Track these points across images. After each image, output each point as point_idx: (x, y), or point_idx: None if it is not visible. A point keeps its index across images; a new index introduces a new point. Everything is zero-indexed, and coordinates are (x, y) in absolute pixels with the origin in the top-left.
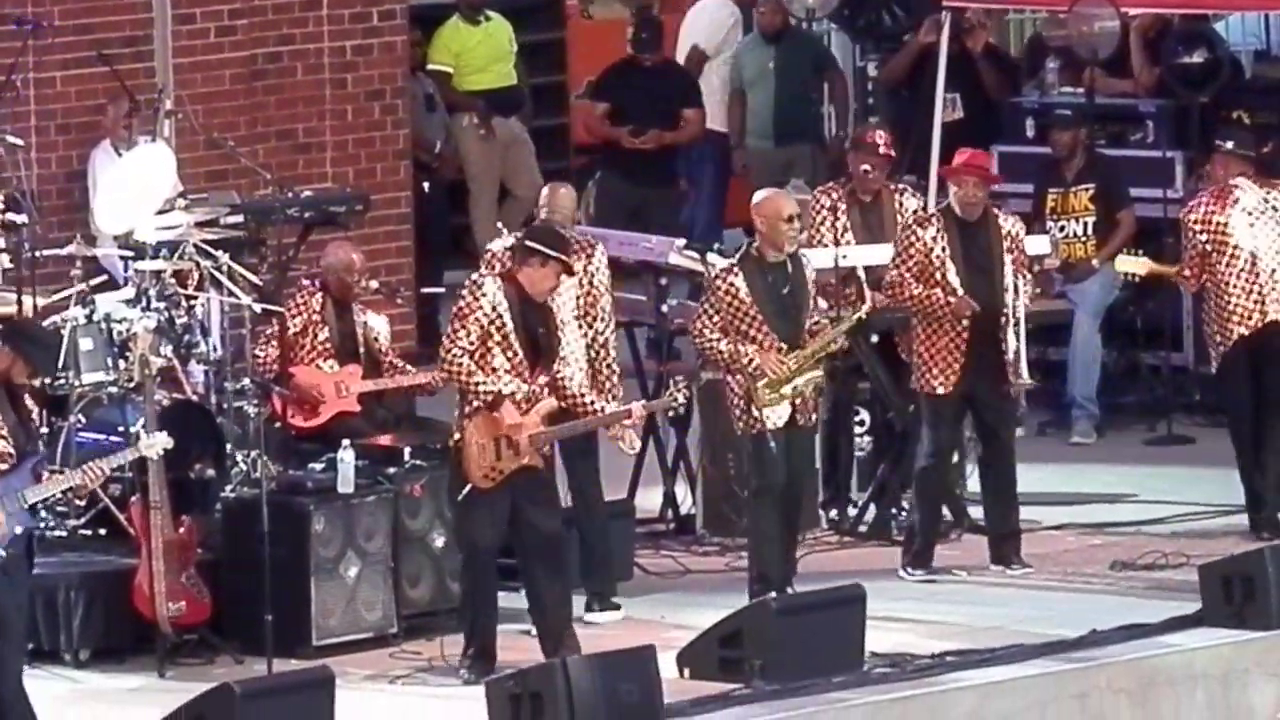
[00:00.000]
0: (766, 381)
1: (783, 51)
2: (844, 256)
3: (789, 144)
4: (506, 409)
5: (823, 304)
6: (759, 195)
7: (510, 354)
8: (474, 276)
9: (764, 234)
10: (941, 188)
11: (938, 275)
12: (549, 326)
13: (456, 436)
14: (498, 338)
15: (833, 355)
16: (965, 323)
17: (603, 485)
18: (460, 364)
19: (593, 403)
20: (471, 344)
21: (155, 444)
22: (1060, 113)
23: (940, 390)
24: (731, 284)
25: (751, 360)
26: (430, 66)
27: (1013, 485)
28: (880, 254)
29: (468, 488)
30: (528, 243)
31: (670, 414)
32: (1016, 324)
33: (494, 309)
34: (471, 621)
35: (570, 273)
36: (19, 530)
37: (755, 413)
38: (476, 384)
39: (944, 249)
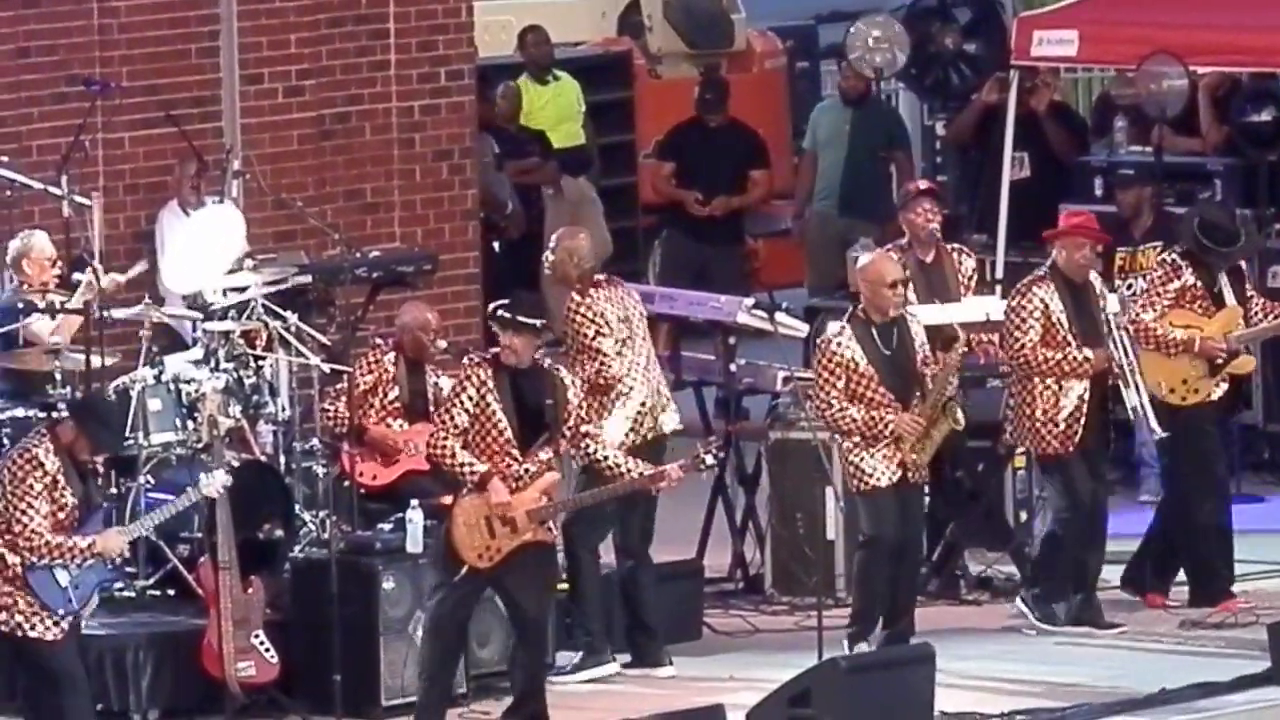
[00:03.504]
0: (910, 444)
1: (860, 117)
2: (913, 316)
3: (852, 215)
4: (494, 487)
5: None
6: (864, 259)
7: (495, 434)
8: (465, 360)
9: (868, 298)
10: (1012, 246)
11: (1059, 335)
12: (556, 397)
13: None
14: (483, 419)
15: (951, 399)
16: (1087, 382)
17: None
18: (445, 447)
19: (624, 467)
20: (458, 428)
21: (214, 482)
22: (1123, 172)
23: (1064, 451)
24: (847, 347)
25: (888, 424)
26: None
27: (1104, 544)
28: (945, 312)
29: (464, 569)
30: (498, 314)
31: (703, 472)
32: (1133, 379)
33: (479, 393)
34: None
35: (529, 332)
36: (93, 583)
37: (866, 471)
38: (462, 465)
39: (1061, 309)
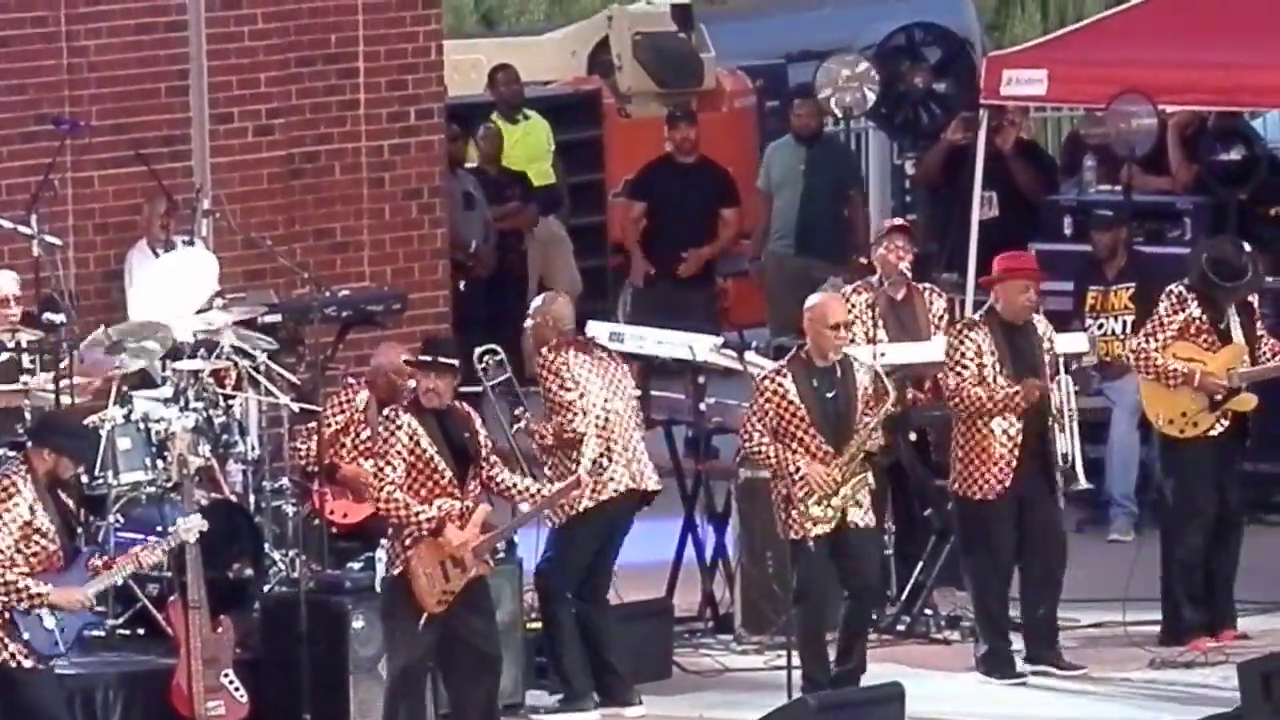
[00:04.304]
0: (816, 497)
1: (814, 155)
2: (882, 355)
3: (810, 255)
4: (449, 531)
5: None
6: (812, 299)
7: (438, 476)
8: (386, 411)
9: (811, 339)
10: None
11: (990, 378)
12: (471, 429)
13: (397, 570)
14: (421, 465)
15: (871, 454)
16: (1018, 424)
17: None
18: (395, 499)
19: (533, 490)
20: (400, 477)
21: (192, 527)
22: (1101, 213)
23: (992, 495)
24: (780, 386)
25: (799, 469)
26: (470, 165)
27: (1059, 585)
28: (916, 351)
29: (424, 616)
30: (420, 357)
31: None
32: (1069, 425)
33: (411, 439)
34: None
35: (450, 373)
36: (78, 625)
37: (794, 517)
38: (416, 514)
39: (993, 352)
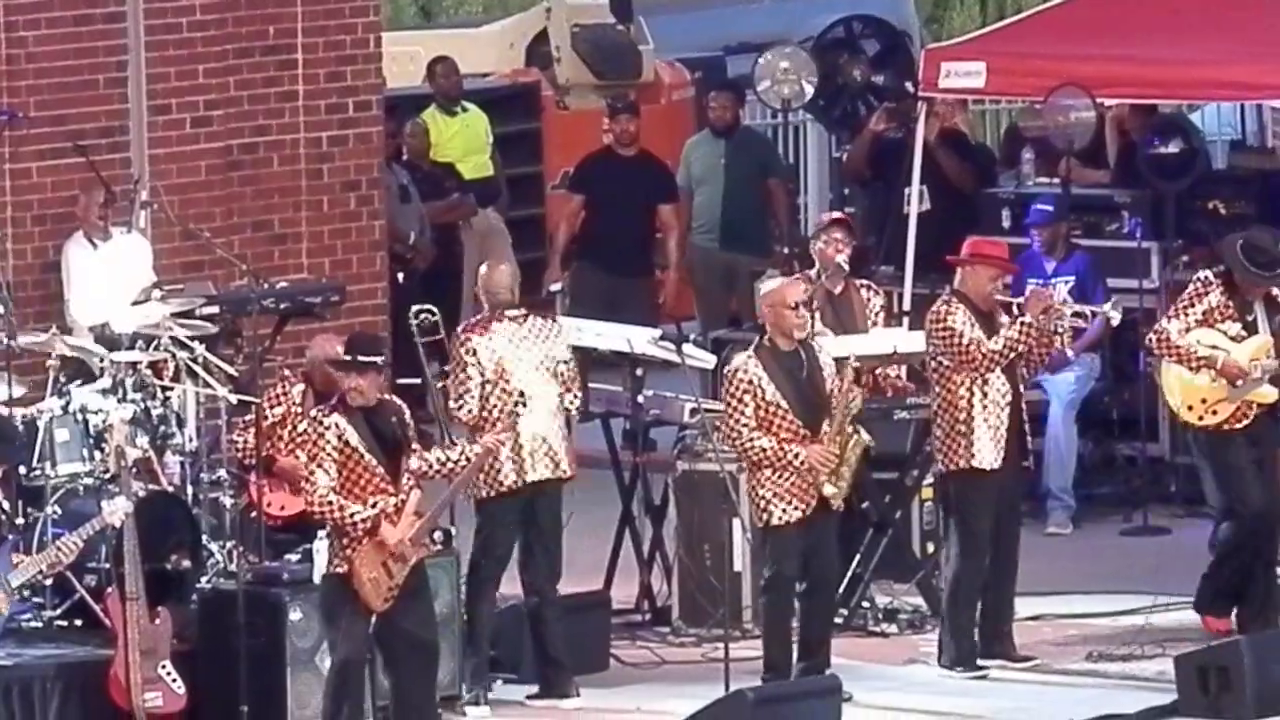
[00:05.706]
0: (826, 475)
1: (734, 148)
2: (821, 346)
3: (734, 249)
4: (386, 530)
5: None
6: (765, 286)
7: (370, 475)
8: (313, 413)
9: (772, 322)
10: (920, 278)
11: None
12: (400, 417)
13: (339, 569)
14: (352, 465)
15: (857, 417)
16: (1009, 396)
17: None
18: (330, 502)
19: (453, 461)
20: (333, 480)
21: (117, 509)
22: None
23: (990, 466)
24: (756, 377)
25: (798, 455)
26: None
27: (1015, 575)
28: (853, 344)
29: (373, 617)
30: (345, 357)
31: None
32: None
33: (340, 439)
34: None
35: (372, 370)
36: (6, 614)
37: (773, 505)
38: (352, 515)
39: (973, 325)
